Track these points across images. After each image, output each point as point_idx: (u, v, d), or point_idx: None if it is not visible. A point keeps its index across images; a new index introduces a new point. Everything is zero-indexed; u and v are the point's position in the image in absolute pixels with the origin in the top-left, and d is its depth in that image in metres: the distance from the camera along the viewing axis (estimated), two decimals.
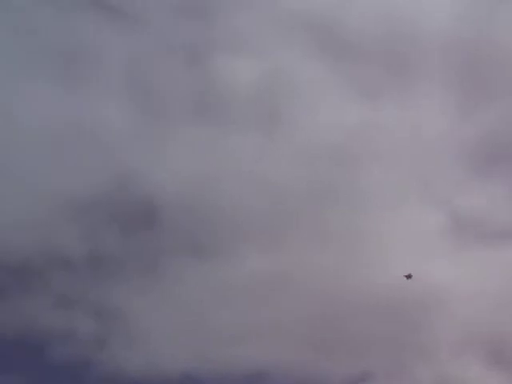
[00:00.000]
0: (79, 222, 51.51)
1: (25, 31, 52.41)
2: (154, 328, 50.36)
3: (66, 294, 50.37)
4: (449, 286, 49.48)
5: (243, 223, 52.87)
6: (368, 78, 56.42)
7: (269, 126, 55.66)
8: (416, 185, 54.22)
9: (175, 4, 55.64)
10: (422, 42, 56.30)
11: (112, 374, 49.14)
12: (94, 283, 50.75)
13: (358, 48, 56.61)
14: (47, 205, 49.85)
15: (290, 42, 57.13)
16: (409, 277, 45.82)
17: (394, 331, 48.30)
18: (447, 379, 47.96)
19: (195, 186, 53.02)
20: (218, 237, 52.80)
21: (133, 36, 54.32)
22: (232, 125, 54.98)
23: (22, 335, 48.23)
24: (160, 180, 52.74)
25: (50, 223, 50.30)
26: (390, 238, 52.03)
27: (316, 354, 47.67)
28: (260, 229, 52.56)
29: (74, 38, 53.10)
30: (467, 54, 56.23)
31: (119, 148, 52.32)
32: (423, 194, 54.07)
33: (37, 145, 51.07)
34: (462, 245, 52.18)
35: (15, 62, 51.94)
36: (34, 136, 51.10)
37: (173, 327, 50.15)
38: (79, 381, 49.49)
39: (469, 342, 49.36)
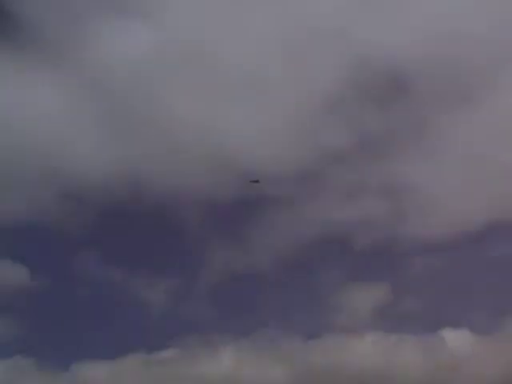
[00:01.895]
0: (337, 113, 52.03)
1: None
2: (441, 192, 50.59)
3: (349, 185, 51.59)
4: None
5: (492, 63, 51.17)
6: None
7: None
8: None
9: None
10: None
11: (416, 245, 50.26)
12: (371, 167, 51.47)
13: None
14: (310, 105, 50.78)
15: None
16: (255, 181, 46.30)
17: None
18: None
19: (432, 45, 51.78)
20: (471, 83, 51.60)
21: None
22: None
23: (325, 233, 50.25)
24: (397, 46, 51.91)
25: (313, 123, 51.28)
26: None
27: None
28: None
29: None
30: None
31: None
32: None
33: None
34: None
35: None
36: None
37: (460, 182, 50.07)
38: (386, 262, 51.15)
39: None
